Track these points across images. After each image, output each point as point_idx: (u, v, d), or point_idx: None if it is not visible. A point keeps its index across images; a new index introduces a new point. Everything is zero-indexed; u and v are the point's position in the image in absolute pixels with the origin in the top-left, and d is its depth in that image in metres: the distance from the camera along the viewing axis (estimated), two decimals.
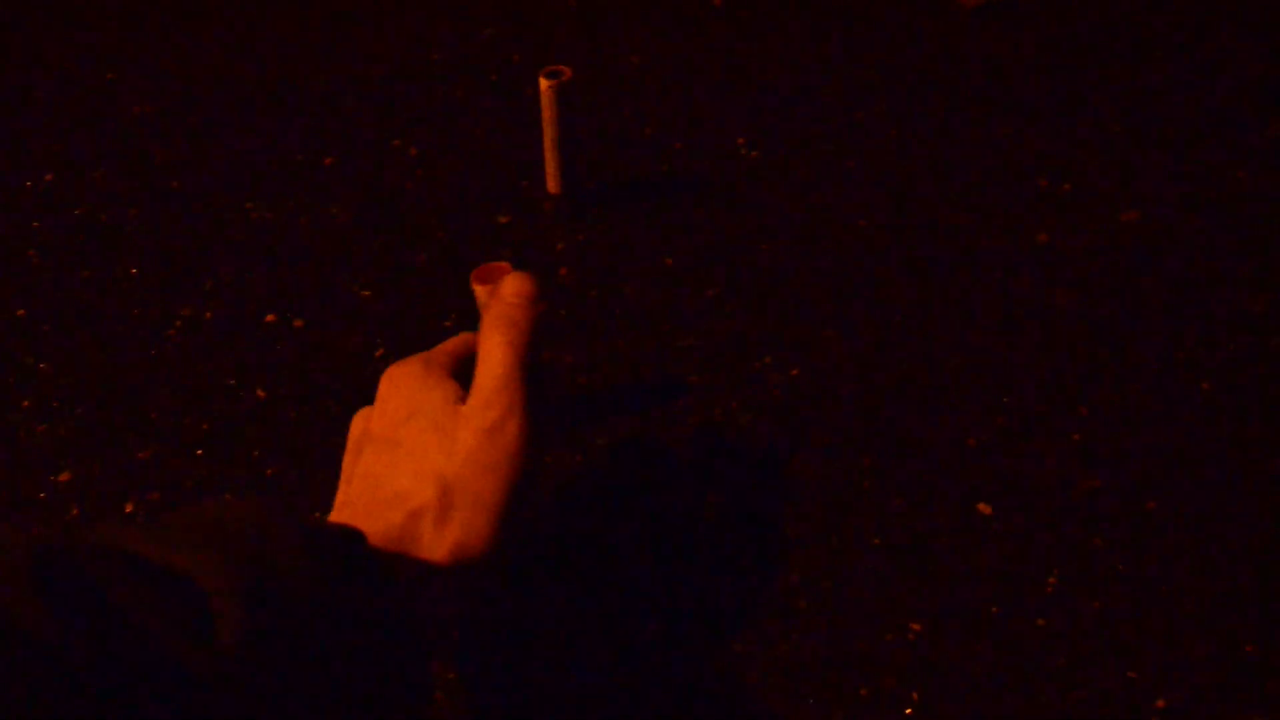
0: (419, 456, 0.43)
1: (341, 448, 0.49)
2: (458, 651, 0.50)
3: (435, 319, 0.68)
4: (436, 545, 0.41)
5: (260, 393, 0.64)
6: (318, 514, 0.55)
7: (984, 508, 0.57)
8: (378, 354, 0.66)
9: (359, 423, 0.48)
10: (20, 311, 0.70)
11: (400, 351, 0.60)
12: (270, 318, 0.69)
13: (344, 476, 0.48)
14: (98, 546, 0.32)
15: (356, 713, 0.35)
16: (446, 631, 0.42)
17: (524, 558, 0.55)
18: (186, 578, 0.32)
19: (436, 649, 0.41)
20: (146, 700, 0.29)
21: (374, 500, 0.43)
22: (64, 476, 0.60)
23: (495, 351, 0.45)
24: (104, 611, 0.30)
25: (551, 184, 0.76)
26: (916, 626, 0.53)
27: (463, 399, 0.45)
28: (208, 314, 0.69)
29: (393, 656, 0.37)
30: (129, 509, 0.58)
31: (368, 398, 0.49)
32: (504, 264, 0.52)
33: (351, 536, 0.38)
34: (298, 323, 0.68)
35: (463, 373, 0.48)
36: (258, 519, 0.36)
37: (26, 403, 0.64)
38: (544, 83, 0.69)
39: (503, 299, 0.47)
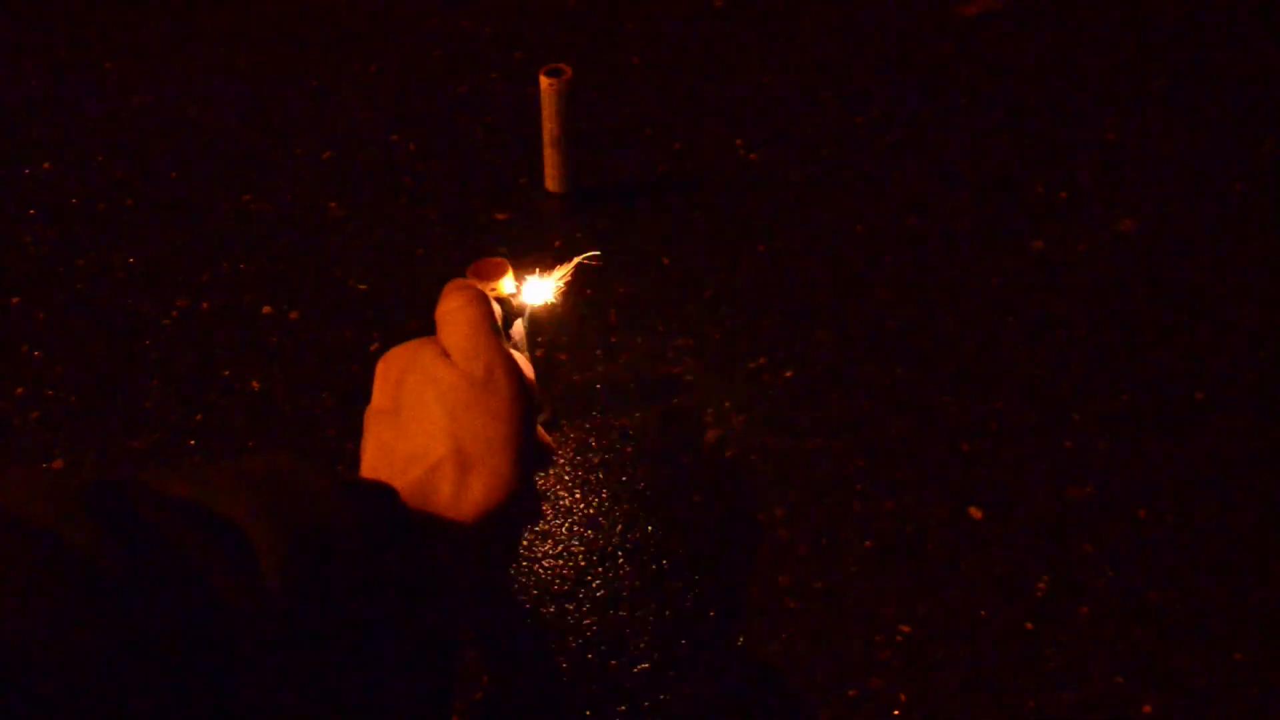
0: (421, 414, 0.44)
1: (336, 440, 0.49)
2: (481, 608, 0.50)
3: (430, 314, 0.68)
4: (462, 498, 0.43)
5: (255, 384, 0.64)
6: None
7: (975, 512, 0.58)
8: (372, 348, 0.66)
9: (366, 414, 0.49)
10: (15, 299, 0.69)
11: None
12: (266, 310, 0.69)
13: (361, 455, 0.49)
14: (149, 488, 0.33)
15: (390, 654, 0.36)
16: (473, 586, 0.43)
17: (519, 552, 0.55)
18: (232, 522, 0.33)
19: (463, 603, 0.42)
20: (192, 628, 0.31)
21: (391, 464, 0.44)
22: (56, 464, 0.60)
23: (457, 314, 0.46)
24: (155, 544, 0.31)
25: (550, 182, 0.76)
26: (905, 628, 0.53)
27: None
28: (204, 305, 0.69)
29: (424, 605, 0.39)
30: None
31: (362, 390, 0.49)
32: (500, 260, 0.52)
33: (385, 491, 0.40)
34: (293, 315, 0.68)
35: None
36: (298, 472, 0.37)
37: (20, 390, 0.64)
38: (544, 81, 0.69)
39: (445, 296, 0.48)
